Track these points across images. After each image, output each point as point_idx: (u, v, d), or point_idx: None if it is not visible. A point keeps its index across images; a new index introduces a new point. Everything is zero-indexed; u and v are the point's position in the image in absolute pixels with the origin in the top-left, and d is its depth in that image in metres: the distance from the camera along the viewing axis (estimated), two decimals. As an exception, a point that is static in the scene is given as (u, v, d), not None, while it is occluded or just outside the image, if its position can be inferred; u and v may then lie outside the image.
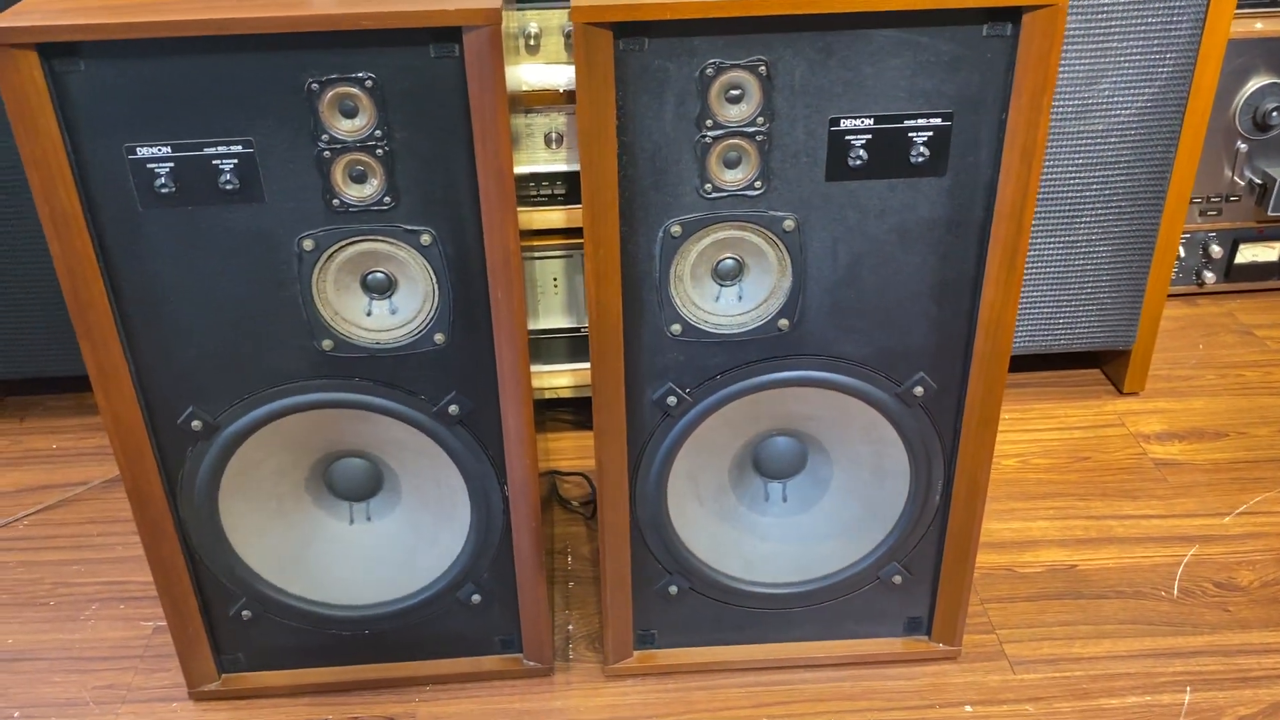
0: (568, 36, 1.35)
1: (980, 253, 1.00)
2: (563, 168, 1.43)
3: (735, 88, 0.91)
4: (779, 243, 0.98)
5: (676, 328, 1.02)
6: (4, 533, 1.44)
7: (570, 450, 1.57)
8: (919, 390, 1.06)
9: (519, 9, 1.34)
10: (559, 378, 1.56)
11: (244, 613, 1.15)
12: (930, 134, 0.94)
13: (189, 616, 1.14)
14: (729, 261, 1.00)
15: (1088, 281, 1.57)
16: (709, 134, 0.93)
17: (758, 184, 0.95)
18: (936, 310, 1.03)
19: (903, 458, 1.11)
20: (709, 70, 0.90)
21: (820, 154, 0.94)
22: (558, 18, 1.34)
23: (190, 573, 1.12)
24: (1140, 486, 1.48)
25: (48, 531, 1.44)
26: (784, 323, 1.02)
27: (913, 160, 0.94)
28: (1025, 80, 0.91)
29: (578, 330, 1.54)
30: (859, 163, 0.94)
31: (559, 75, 1.36)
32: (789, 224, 0.97)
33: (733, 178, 0.95)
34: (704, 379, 1.05)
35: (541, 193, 1.44)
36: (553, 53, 1.36)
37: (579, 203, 1.45)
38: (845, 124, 0.93)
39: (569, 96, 1.37)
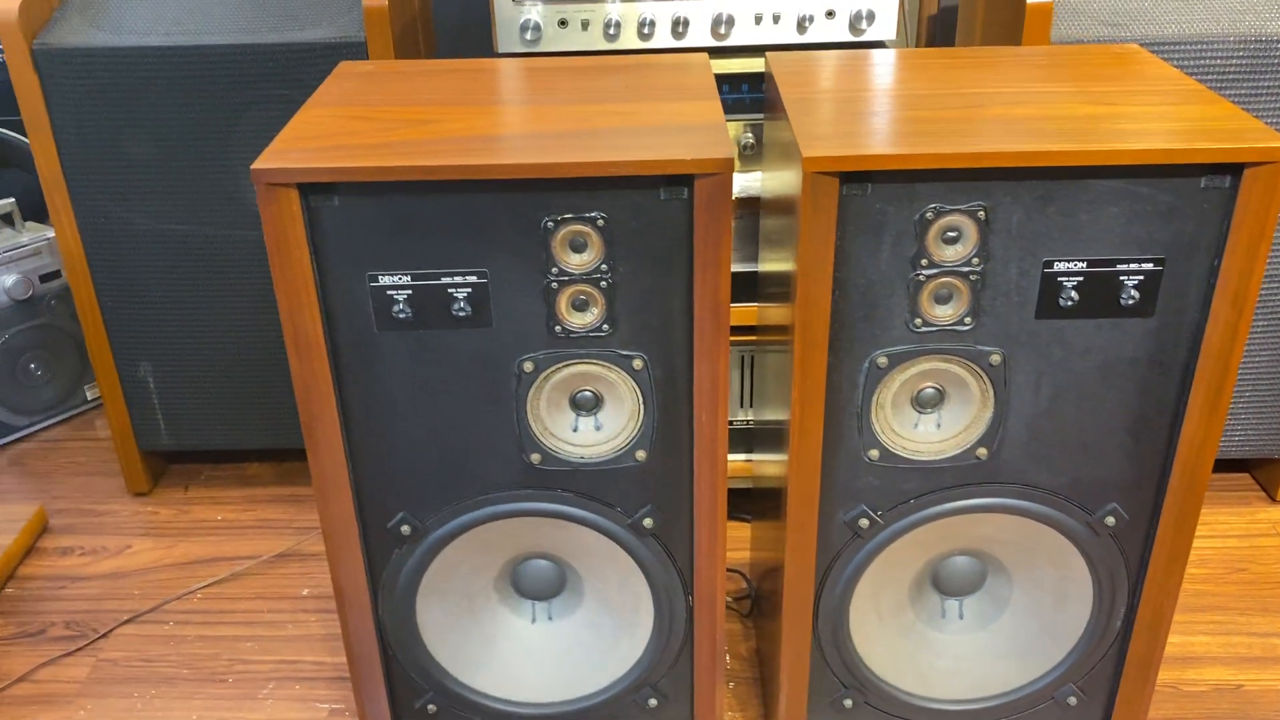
0: (743, 148, 1.39)
1: (1181, 390, 1.01)
2: (737, 268, 1.46)
3: (953, 230, 0.94)
4: (983, 375, 1.00)
5: (874, 453, 1.04)
6: (179, 605, 1.51)
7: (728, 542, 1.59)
8: (1110, 520, 1.07)
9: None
10: (710, 468, 1.58)
11: (429, 706, 1.19)
12: (1141, 278, 0.95)
13: (378, 708, 1.18)
14: (930, 391, 1.02)
15: (1246, 389, 1.56)
16: (923, 272, 0.95)
17: (967, 320, 0.98)
18: (1133, 443, 1.03)
19: (1087, 583, 1.11)
20: (929, 214, 0.93)
21: (1031, 293, 0.96)
22: (733, 130, 1.38)
23: (383, 666, 1.16)
24: (1302, 602, 1.47)
25: (221, 606, 1.50)
26: (982, 451, 1.04)
27: (1123, 302, 0.96)
28: (1243, 230, 0.92)
29: (732, 423, 1.57)
30: (1069, 303, 0.96)
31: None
32: (995, 358, 0.99)
33: (943, 313, 0.98)
34: (897, 503, 1.07)
35: (705, 292, 1.48)
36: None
37: (740, 301, 1.48)
38: (1058, 266, 0.95)
39: (740, 203, 1.40)
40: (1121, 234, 0.94)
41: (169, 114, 1.44)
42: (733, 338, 1.51)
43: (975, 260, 0.95)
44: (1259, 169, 0.90)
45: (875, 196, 0.92)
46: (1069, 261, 0.95)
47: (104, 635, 1.45)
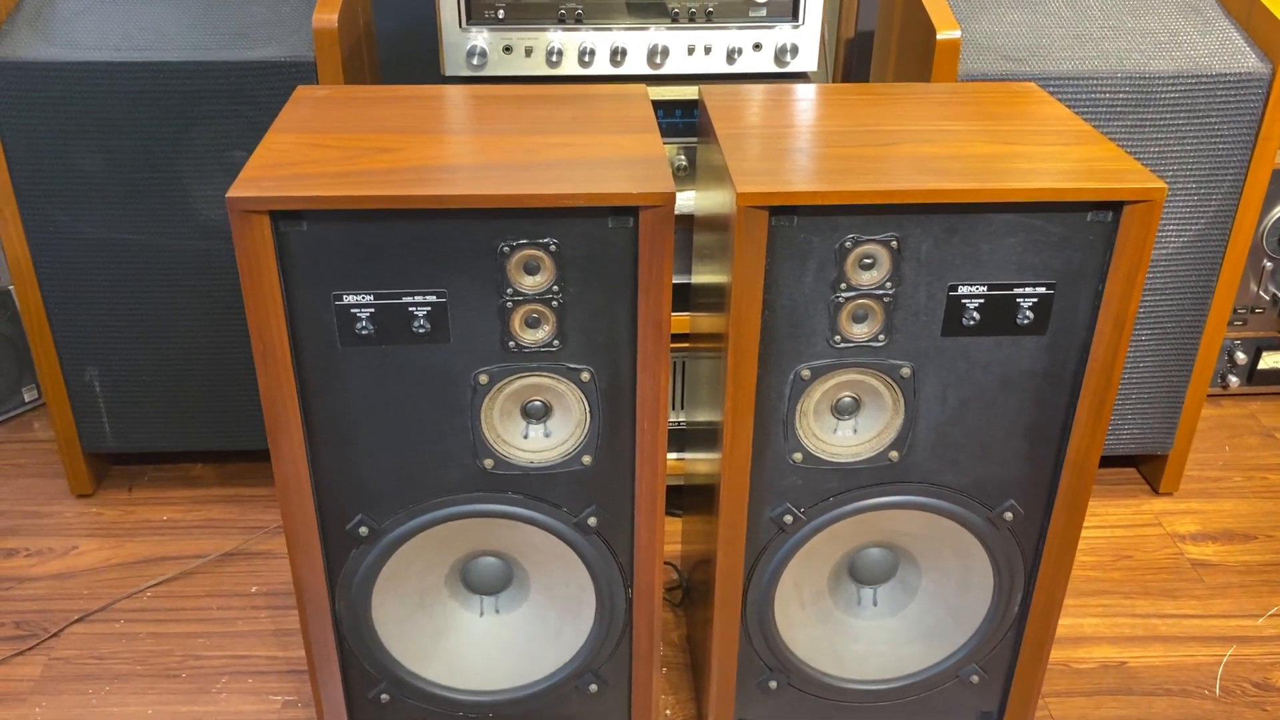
0: (677, 169, 1.48)
1: (1071, 399, 1.13)
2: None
3: (869, 257, 1.04)
4: (895, 386, 1.11)
5: (798, 456, 1.14)
6: (129, 603, 1.55)
7: (651, 536, 1.69)
8: (1008, 515, 1.19)
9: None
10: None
11: (383, 695, 1.26)
12: (1035, 300, 1.07)
13: (334, 699, 1.25)
14: (848, 400, 1.13)
15: (1131, 392, 1.71)
16: (842, 295, 1.06)
17: (881, 337, 1.08)
18: (1029, 447, 1.15)
19: (988, 573, 1.23)
20: (847, 243, 1.03)
21: (938, 314, 1.07)
22: (667, 152, 1.47)
23: (339, 658, 1.23)
24: (1179, 586, 1.61)
25: (171, 604, 1.55)
26: (894, 454, 1.15)
27: (1019, 322, 1.08)
28: (1123, 260, 1.04)
29: (678, 424, 1.67)
30: (971, 322, 1.07)
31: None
32: (906, 371, 1.10)
33: (860, 331, 1.08)
34: (818, 500, 1.17)
35: (639, 301, 1.57)
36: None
37: (681, 311, 1.57)
38: (962, 289, 1.06)
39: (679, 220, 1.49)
40: (1018, 261, 1.05)
41: (119, 128, 1.48)
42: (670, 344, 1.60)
43: (888, 284, 1.05)
44: (1136, 206, 1.02)
45: (800, 227, 1.02)
46: (971, 286, 1.06)
47: (55, 635, 1.49)
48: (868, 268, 1.05)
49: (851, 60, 1.93)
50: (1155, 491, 1.81)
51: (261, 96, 1.46)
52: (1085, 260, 1.06)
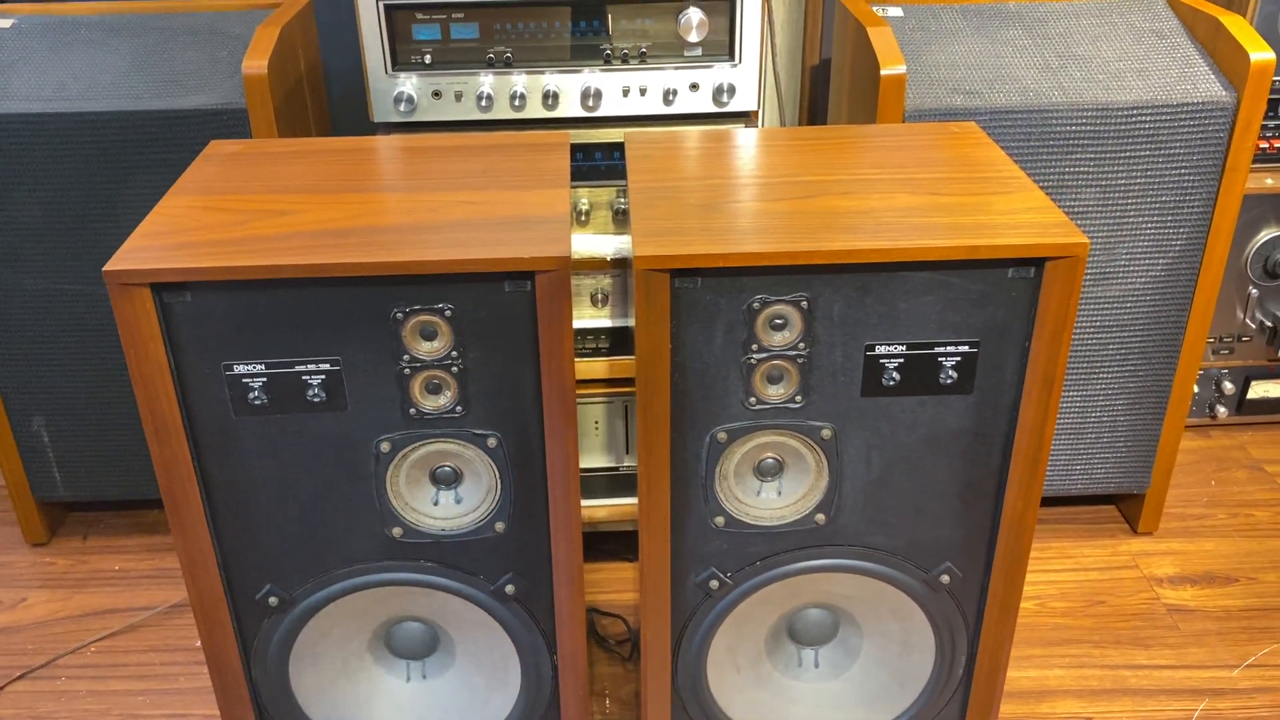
0: (616, 212, 1.44)
1: (1004, 459, 1.07)
2: (607, 323, 1.52)
3: (779, 318, 1.00)
4: (817, 448, 1.07)
5: (720, 520, 1.10)
6: (72, 659, 1.53)
7: (608, 583, 1.65)
8: (945, 578, 1.14)
9: (572, 186, 1.43)
10: (599, 511, 1.64)
11: (307, 764, 1.23)
12: (958, 359, 1.02)
13: (256, 768, 1.22)
14: (770, 461, 1.08)
15: (1105, 431, 1.65)
16: (754, 356, 1.01)
17: (798, 398, 1.04)
18: (963, 507, 1.10)
19: (929, 634, 1.18)
20: (755, 304, 0.99)
21: (856, 374, 1.02)
22: (606, 195, 1.43)
23: (259, 728, 1.20)
24: (1153, 635, 1.55)
25: (114, 659, 1.53)
26: (820, 517, 1.10)
27: (942, 381, 1.03)
28: (1047, 317, 0.99)
29: (616, 469, 1.63)
30: (892, 383, 1.03)
31: (606, 244, 1.45)
32: (826, 433, 1.05)
33: (775, 392, 1.04)
34: (744, 564, 1.13)
35: (587, 345, 1.53)
36: (601, 224, 1.45)
37: (620, 354, 1.54)
38: (880, 349, 1.01)
39: (614, 263, 1.46)
40: (938, 319, 1.00)
41: (53, 178, 1.46)
42: (615, 390, 1.56)
43: (802, 345, 1.01)
44: (1059, 262, 0.97)
45: (705, 289, 0.98)
46: (889, 345, 1.01)
47: (-5, 692, 1.48)
48: (779, 328, 1.00)
49: (815, 90, 1.88)
50: (1134, 531, 1.75)
51: (193, 144, 1.44)
52: (1009, 317, 1.00)
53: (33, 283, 1.54)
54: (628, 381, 1.53)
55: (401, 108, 1.36)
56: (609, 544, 1.72)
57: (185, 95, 1.45)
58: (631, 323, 1.51)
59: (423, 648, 1.22)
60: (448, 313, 0.98)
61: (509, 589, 1.13)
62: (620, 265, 1.47)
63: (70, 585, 1.66)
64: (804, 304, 0.99)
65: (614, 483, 1.64)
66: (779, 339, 1.01)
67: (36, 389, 1.61)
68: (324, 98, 1.71)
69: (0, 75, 1.48)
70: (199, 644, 1.53)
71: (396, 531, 1.09)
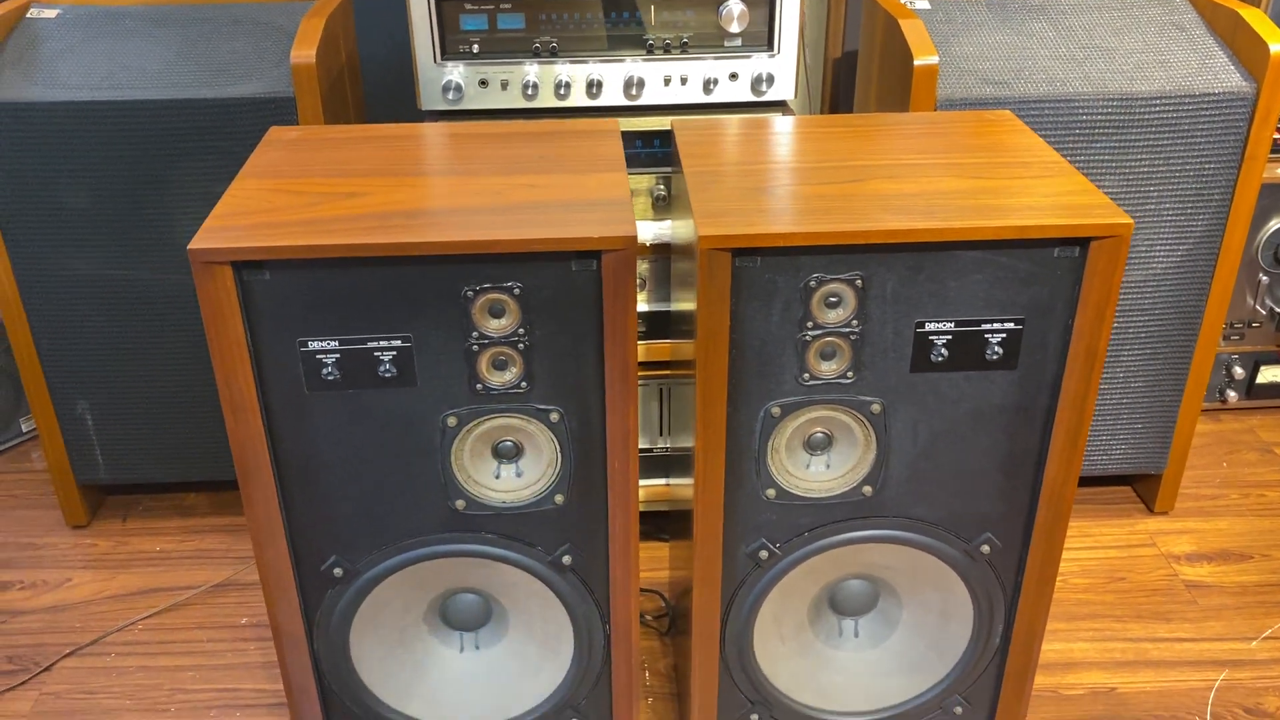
0: (656, 199, 1.48)
1: (1045, 433, 1.12)
2: (644, 308, 1.56)
3: (834, 296, 1.04)
4: (866, 422, 1.11)
5: (771, 492, 1.14)
6: (121, 636, 1.56)
7: (644, 561, 1.69)
8: (985, 548, 1.18)
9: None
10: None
11: (364, 733, 1.27)
12: (1004, 335, 1.06)
13: (315, 736, 1.25)
14: (820, 435, 1.12)
15: (1123, 412, 1.69)
16: (809, 333, 1.05)
17: (850, 374, 1.08)
18: (1004, 480, 1.15)
19: (968, 605, 1.22)
20: (812, 283, 1.03)
21: (906, 350, 1.07)
22: (646, 182, 1.47)
23: (320, 697, 1.23)
24: (1172, 609, 1.60)
25: (161, 636, 1.56)
26: (867, 489, 1.14)
27: (988, 357, 1.07)
28: (1091, 295, 1.03)
29: (651, 450, 1.67)
30: (940, 358, 1.07)
31: (645, 230, 1.49)
32: (876, 407, 1.09)
33: (828, 368, 1.08)
34: (793, 535, 1.17)
35: (623, 329, 1.57)
36: (641, 210, 1.49)
37: (657, 338, 1.58)
38: (929, 326, 1.06)
39: (653, 249, 1.50)
40: (985, 297, 1.05)
41: (102, 165, 1.49)
42: (651, 372, 1.60)
43: (855, 322, 1.05)
44: (1103, 242, 1.01)
45: (764, 268, 1.02)
46: (938, 322, 1.05)
47: (47, 669, 1.50)
48: (833, 306, 1.04)
49: (839, 81, 1.93)
50: (1150, 510, 1.79)
51: (242, 132, 1.47)
52: (1054, 295, 1.05)
53: (80, 268, 1.57)
54: (664, 365, 1.57)
55: (450, 96, 1.40)
56: (643, 524, 1.76)
57: (233, 84, 1.48)
58: (669, 306, 1.55)
59: (477, 619, 1.26)
60: (516, 291, 1.02)
61: (566, 560, 1.17)
62: (660, 251, 1.50)
63: (113, 566, 1.69)
64: (858, 282, 1.03)
65: (649, 464, 1.68)
66: (833, 316, 1.05)
67: (82, 374, 1.64)
68: (361, 88, 1.74)
69: (48, 64, 1.51)
70: (244, 621, 1.57)
71: (459, 504, 1.13)
